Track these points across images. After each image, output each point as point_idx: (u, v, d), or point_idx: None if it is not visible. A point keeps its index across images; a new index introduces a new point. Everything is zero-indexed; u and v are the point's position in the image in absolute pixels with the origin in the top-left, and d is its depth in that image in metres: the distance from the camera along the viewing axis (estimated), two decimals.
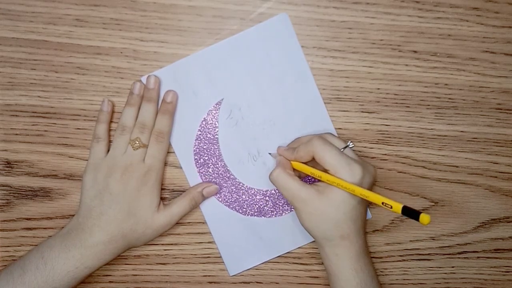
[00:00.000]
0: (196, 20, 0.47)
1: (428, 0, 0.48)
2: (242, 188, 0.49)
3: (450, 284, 0.51)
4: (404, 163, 0.50)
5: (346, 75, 0.48)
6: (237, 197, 0.49)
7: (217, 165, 0.49)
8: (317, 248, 0.49)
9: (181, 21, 0.47)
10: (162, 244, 0.49)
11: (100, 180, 0.45)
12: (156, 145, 0.46)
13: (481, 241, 0.51)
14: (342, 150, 0.43)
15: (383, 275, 0.51)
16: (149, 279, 0.49)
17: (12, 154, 0.48)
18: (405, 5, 0.48)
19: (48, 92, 0.47)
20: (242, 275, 0.50)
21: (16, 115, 0.48)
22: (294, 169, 0.45)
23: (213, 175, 0.49)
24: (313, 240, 0.49)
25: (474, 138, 0.50)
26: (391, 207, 0.39)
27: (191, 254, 0.50)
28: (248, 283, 0.50)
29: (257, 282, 0.50)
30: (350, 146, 0.44)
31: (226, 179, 0.49)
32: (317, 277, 0.50)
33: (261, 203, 0.49)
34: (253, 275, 0.50)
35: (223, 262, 0.49)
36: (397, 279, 0.51)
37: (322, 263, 0.46)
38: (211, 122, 0.48)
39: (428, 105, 0.49)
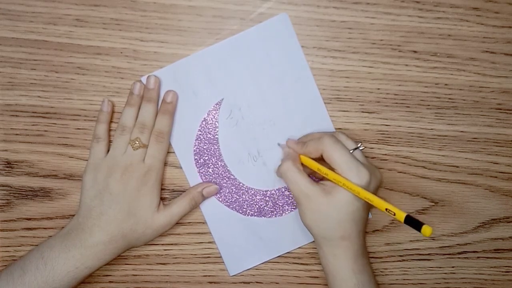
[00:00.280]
0: (196, 20, 0.47)
1: (428, 0, 0.48)
2: (242, 188, 0.49)
3: (450, 284, 0.51)
4: (404, 163, 0.50)
5: (346, 75, 0.48)
6: (237, 197, 0.49)
7: (217, 165, 0.49)
8: (316, 248, 0.49)
9: (181, 21, 0.47)
10: (162, 244, 0.49)
11: (100, 180, 0.45)
12: (156, 145, 0.46)
13: (481, 241, 0.51)
14: (352, 151, 0.43)
15: (383, 275, 0.51)
16: (149, 279, 0.49)
17: (12, 154, 0.48)
18: (405, 5, 0.48)
19: (48, 92, 0.47)
20: (242, 275, 0.50)
21: (16, 115, 0.48)
22: (302, 164, 0.45)
23: (213, 175, 0.49)
24: (313, 240, 0.49)
25: (474, 138, 0.50)
26: (394, 214, 0.39)
27: (191, 254, 0.50)
28: (248, 283, 0.50)
29: (257, 282, 0.50)
30: (360, 148, 0.44)
31: (226, 179, 0.49)
32: (317, 277, 0.50)
33: (261, 203, 0.49)
34: (253, 275, 0.50)
35: (223, 262, 0.49)
36: (397, 279, 0.51)
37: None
38: (211, 122, 0.48)
39: (428, 105, 0.49)
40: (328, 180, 0.43)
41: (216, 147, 0.49)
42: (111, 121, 0.47)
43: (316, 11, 0.47)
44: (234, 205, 0.49)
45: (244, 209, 0.49)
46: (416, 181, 0.50)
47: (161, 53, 0.47)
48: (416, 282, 0.51)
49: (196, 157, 0.49)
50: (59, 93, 0.47)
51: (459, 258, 0.51)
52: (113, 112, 0.47)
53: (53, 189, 0.48)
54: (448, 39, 0.48)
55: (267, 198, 0.49)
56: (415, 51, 0.48)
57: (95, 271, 0.44)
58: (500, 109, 0.50)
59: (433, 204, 0.50)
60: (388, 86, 0.49)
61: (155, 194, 0.46)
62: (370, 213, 0.50)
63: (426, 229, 0.37)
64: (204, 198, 0.48)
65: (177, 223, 0.48)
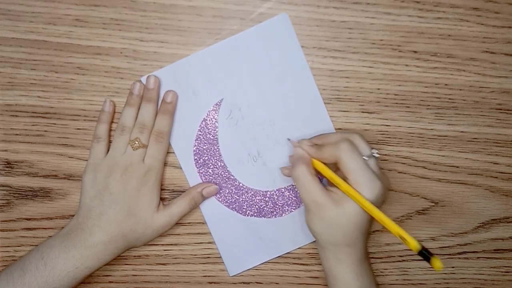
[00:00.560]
0: (196, 20, 0.47)
1: (428, 0, 0.48)
2: (242, 188, 0.49)
3: (450, 284, 0.51)
4: (404, 163, 0.50)
5: (346, 75, 0.48)
6: (237, 197, 0.49)
7: (217, 166, 0.49)
8: (317, 249, 0.49)
9: (181, 21, 0.47)
10: (162, 244, 0.49)
11: (100, 180, 0.45)
12: (155, 145, 0.46)
13: (481, 241, 0.51)
14: (367, 159, 0.42)
15: (383, 275, 0.51)
16: (149, 279, 0.49)
17: (12, 154, 0.48)
18: (405, 5, 0.48)
19: (48, 92, 0.47)
20: (242, 275, 0.50)
21: (16, 115, 0.48)
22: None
23: (213, 176, 0.49)
24: (313, 240, 0.49)
25: (474, 138, 0.50)
26: (405, 240, 0.39)
27: (191, 255, 0.50)
28: (248, 283, 0.50)
29: (257, 283, 0.50)
30: (376, 156, 0.43)
31: (226, 179, 0.49)
32: (317, 278, 0.50)
33: (261, 203, 0.49)
34: (253, 275, 0.50)
35: (223, 262, 0.49)
36: (397, 279, 0.51)
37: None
38: (211, 122, 0.48)
39: (428, 105, 0.49)
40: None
41: (216, 147, 0.49)
42: (111, 122, 0.47)
43: (316, 11, 0.47)
44: (234, 206, 0.49)
45: (244, 210, 0.49)
46: (416, 181, 0.50)
47: (161, 53, 0.47)
48: (416, 282, 0.51)
49: (196, 157, 0.49)
50: (59, 93, 0.47)
51: (459, 258, 0.51)
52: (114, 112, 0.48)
53: (53, 189, 0.48)
54: (448, 39, 0.48)
55: (267, 198, 0.49)
56: (415, 51, 0.48)
57: (95, 271, 0.44)
58: (500, 109, 0.50)
59: (433, 204, 0.50)
60: (388, 86, 0.49)
61: (155, 194, 0.46)
62: None
63: (435, 262, 0.37)
64: (204, 198, 0.48)
65: (177, 224, 0.48)
